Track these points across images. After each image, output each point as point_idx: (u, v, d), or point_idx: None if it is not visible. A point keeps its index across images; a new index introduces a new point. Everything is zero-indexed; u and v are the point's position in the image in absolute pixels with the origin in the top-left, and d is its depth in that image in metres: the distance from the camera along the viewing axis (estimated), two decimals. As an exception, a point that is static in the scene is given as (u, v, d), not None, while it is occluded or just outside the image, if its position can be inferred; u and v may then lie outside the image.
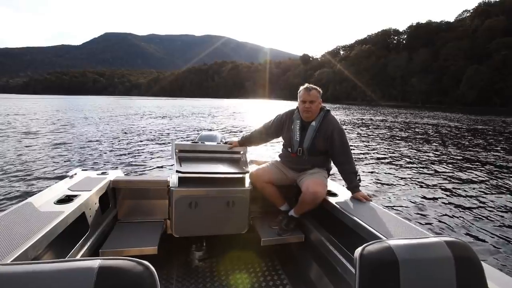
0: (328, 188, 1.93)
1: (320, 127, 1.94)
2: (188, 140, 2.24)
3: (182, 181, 1.94)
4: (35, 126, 13.59)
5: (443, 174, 6.26)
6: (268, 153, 7.62)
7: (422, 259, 0.75)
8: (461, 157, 8.17)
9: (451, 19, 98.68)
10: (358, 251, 0.76)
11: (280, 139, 2.22)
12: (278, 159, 2.19)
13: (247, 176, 2.09)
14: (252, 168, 2.16)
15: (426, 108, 53.37)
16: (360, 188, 1.87)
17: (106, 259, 0.60)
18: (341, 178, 1.99)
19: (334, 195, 1.86)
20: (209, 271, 1.97)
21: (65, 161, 6.78)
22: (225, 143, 2.31)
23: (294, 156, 2.01)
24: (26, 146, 8.39)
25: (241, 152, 2.26)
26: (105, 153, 7.85)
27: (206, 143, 2.31)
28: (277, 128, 2.16)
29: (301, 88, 2.00)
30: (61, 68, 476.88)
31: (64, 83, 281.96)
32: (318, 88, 1.98)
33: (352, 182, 1.87)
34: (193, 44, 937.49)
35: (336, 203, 1.70)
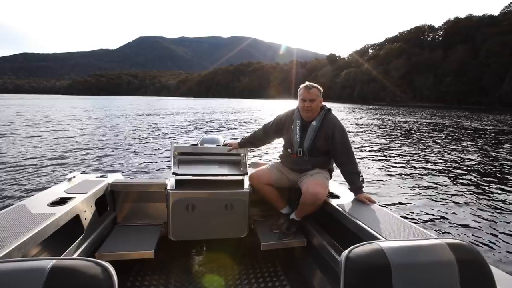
0: (330, 190, 1.88)
1: (320, 127, 1.88)
2: (191, 143, 2.39)
3: (179, 183, 1.91)
4: (46, 127, 14.27)
5: (462, 178, 5.96)
6: (269, 155, 7.77)
7: (419, 262, 0.68)
8: (489, 162, 7.75)
9: (496, 12, 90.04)
10: (344, 253, 0.70)
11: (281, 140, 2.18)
12: (279, 160, 2.14)
13: (246, 178, 2.04)
14: (251, 170, 2.11)
15: (463, 109, 49.60)
16: (364, 189, 1.79)
17: (62, 259, 0.59)
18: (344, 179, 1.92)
19: (337, 197, 1.79)
20: (208, 276, 1.92)
21: (65, 164, 6.78)
22: (225, 145, 2.30)
23: (294, 157, 1.96)
24: (30, 148, 8.59)
25: (241, 154, 2.21)
26: (107, 156, 7.91)
27: (206, 145, 2.30)
28: (277, 128, 2.11)
29: (301, 86, 1.94)
30: (100, 71, 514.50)
31: (102, 84, 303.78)
32: (318, 86, 1.92)
33: (354, 183, 1.80)
34: (220, 46, 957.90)
35: (337, 205, 1.63)
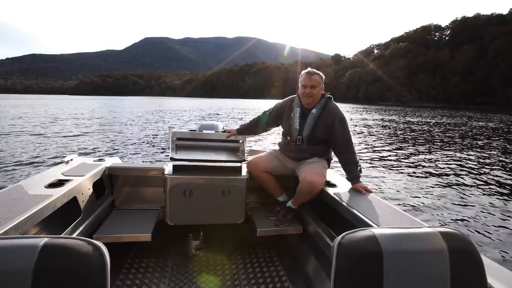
0: (328, 179, 1.88)
1: (321, 115, 1.85)
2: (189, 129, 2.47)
3: (177, 169, 1.93)
4: (50, 117, 14.73)
5: (460, 172, 6.04)
6: (269, 142, 7.81)
7: (411, 250, 0.68)
8: (486, 158, 7.79)
9: (504, 11, 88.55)
10: (337, 239, 0.70)
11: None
12: (277, 148, 2.13)
13: (244, 165, 2.05)
14: (250, 157, 2.12)
15: (470, 110, 49.01)
16: (361, 179, 1.79)
17: (54, 237, 0.58)
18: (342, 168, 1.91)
19: (333, 186, 1.80)
20: (205, 260, 1.95)
21: (64, 148, 6.93)
22: (224, 131, 2.30)
23: (293, 145, 1.94)
24: (32, 135, 8.73)
25: (240, 141, 2.20)
26: (106, 141, 7.97)
27: (205, 131, 2.31)
28: (276, 116, 2.09)
29: (303, 72, 1.89)
30: (106, 71, 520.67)
31: (108, 84, 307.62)
32: (321, 73, 1.88)
33: (352, 172, 1.79)
34: (225, 46, 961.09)
35: (334, 194, 1.64)
